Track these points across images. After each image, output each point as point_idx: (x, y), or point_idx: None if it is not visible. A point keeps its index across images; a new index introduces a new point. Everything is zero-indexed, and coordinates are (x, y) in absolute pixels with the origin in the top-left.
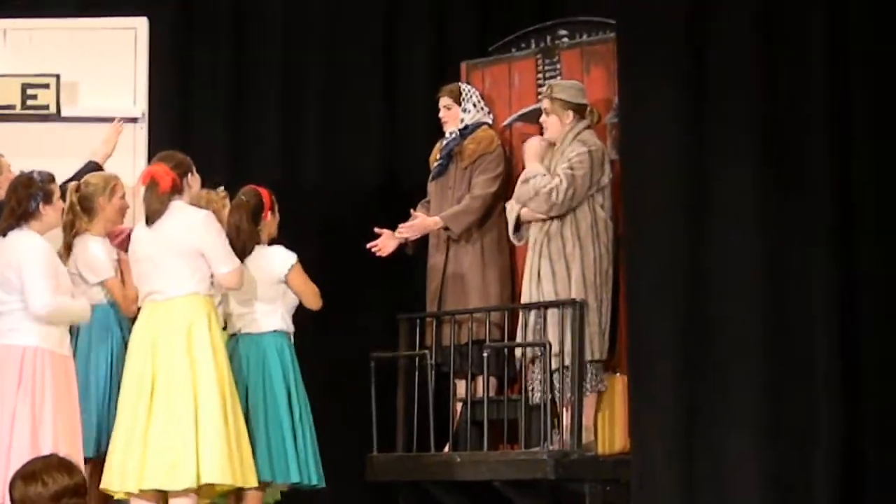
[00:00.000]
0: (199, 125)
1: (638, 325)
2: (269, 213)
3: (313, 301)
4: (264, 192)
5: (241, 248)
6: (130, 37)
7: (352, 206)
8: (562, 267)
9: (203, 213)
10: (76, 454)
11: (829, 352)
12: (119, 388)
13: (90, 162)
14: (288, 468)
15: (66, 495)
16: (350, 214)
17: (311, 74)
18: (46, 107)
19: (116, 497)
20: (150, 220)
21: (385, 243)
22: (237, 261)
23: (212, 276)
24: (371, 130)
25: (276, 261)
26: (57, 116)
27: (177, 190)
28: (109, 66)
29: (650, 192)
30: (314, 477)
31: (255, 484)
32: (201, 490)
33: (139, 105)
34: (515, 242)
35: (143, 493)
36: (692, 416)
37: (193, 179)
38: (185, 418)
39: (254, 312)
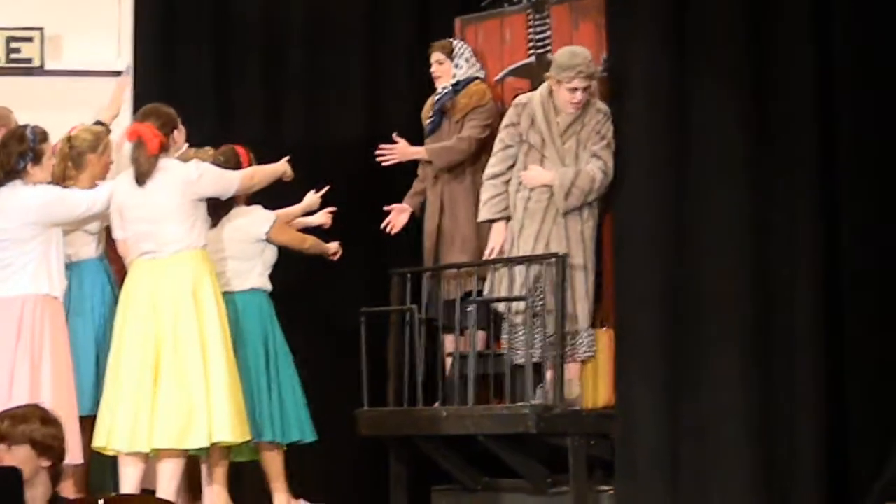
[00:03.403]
0: (183, 78)
1: (624, 280)
2: None
3: (303, 244)
4: (241, 151)
5: (214, 208)
6: None
7: (336, 161)
8: (577, 232)
9: (190, 164)
10: (72, 406)
11: (813, 306)
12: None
13: (97, 122)
14: (262, 427)
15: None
16: (335, 169)
17: (296, 29)
18: (30, 60)
19: (105, 452)
20: (141, 180)
21: (396, 219)
22: (234, 175)
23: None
24: (356, 86)
25: (255, 221)
26: (41, 70)
27: (164, 149)
28: (94, 20)
29: (637, 147)
30: (293, 434)
31: (249, 438)
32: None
33: (124, 58)
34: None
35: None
36: (676, 371)
37: (179, 134)
38: (196, 377)
39: (232, 271)
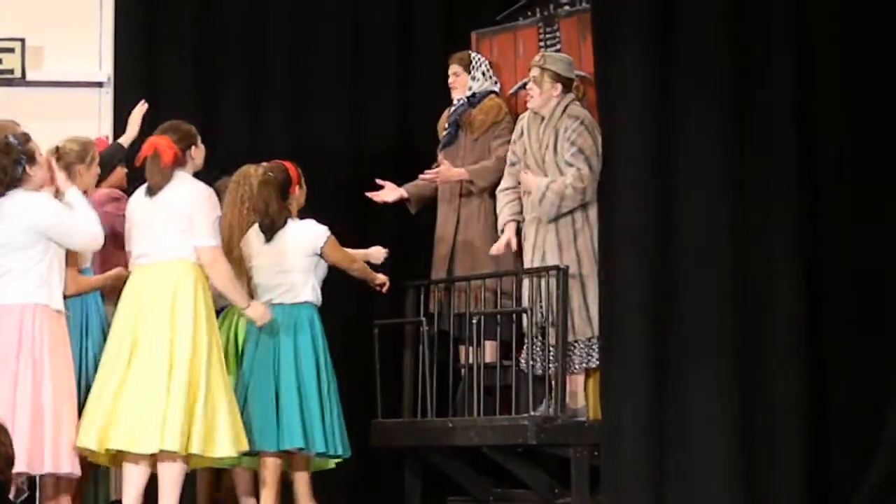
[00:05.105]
0: (164, 88)
1: (610, 288)
2: (296, 187)
3: (351, 265)
4: (290, 167)
5: (270, 224)
6: (96, 1)
7: (320, 168)
8: (569, 240)
9: (205, 186)
10: (74, 418)
11: (796, 314)
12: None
13: (116, 143)
14: (315, 438)
15: None
16: (319, 177)
17: (278, 37)
18: (11, 71)
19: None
20: (152, 191)
21: (385, 194)
22: (218, 241)
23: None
24: (340, 95)
25: (309, 235)
26: (22, 80)
27: (179, 163)
28: (75, 31)
29: (622, 156)
30: (339, 447)
31: (211, 454)
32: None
33: (105, 69)
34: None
35: (134, 456)
36: (660, 379)
37: (196, 151)
38: (159, 383)
39: (286, 284)
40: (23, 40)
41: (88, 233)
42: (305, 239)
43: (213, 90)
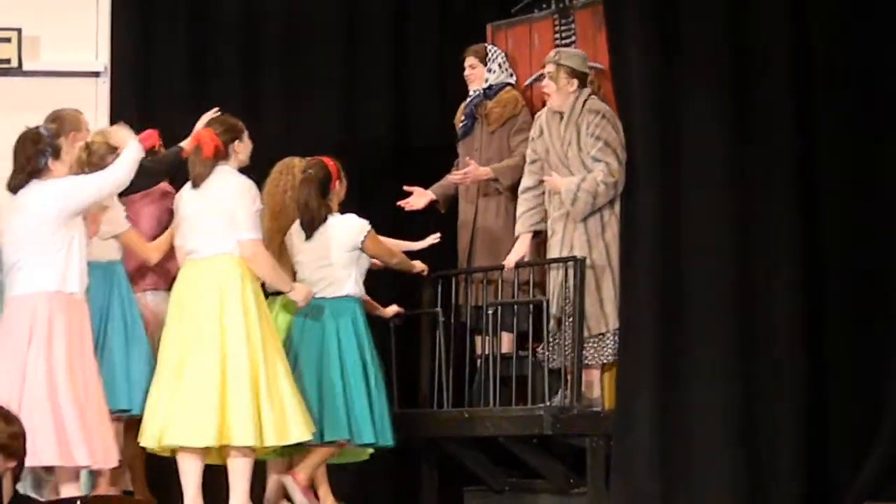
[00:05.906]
0: (160, 78)
1: (625, 280)
2: (336, 182)
3: (391, 259)
4: (330, 163)
5: (310, 221)
6: None
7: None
8: (597, 234)
9: (245, 179)
10: (102, 406)
11: (797, 308)
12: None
13: (177, 147)
14: (361, 430)
15: None
16: None
17: (274, 28)
18: (8, 61)
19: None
20: (196, 183)
21: (416, 201)
22: (259, 234)
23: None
24: (335, 86)
25: (350, 229)
26: (19, 70)
27: (221, 156)
28: (72, 20)
29: (633, 149)
30: (389, 438)
31: (286, 442)
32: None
33: (101, 59)
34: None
35: (190, 451)
36: (668, 371)
37: (241, 145)
38: (212, 378)
39: (329, 278)
40: (19, 30)
41: (96, 178)
42: (346, 233)
43: (209, 80)
